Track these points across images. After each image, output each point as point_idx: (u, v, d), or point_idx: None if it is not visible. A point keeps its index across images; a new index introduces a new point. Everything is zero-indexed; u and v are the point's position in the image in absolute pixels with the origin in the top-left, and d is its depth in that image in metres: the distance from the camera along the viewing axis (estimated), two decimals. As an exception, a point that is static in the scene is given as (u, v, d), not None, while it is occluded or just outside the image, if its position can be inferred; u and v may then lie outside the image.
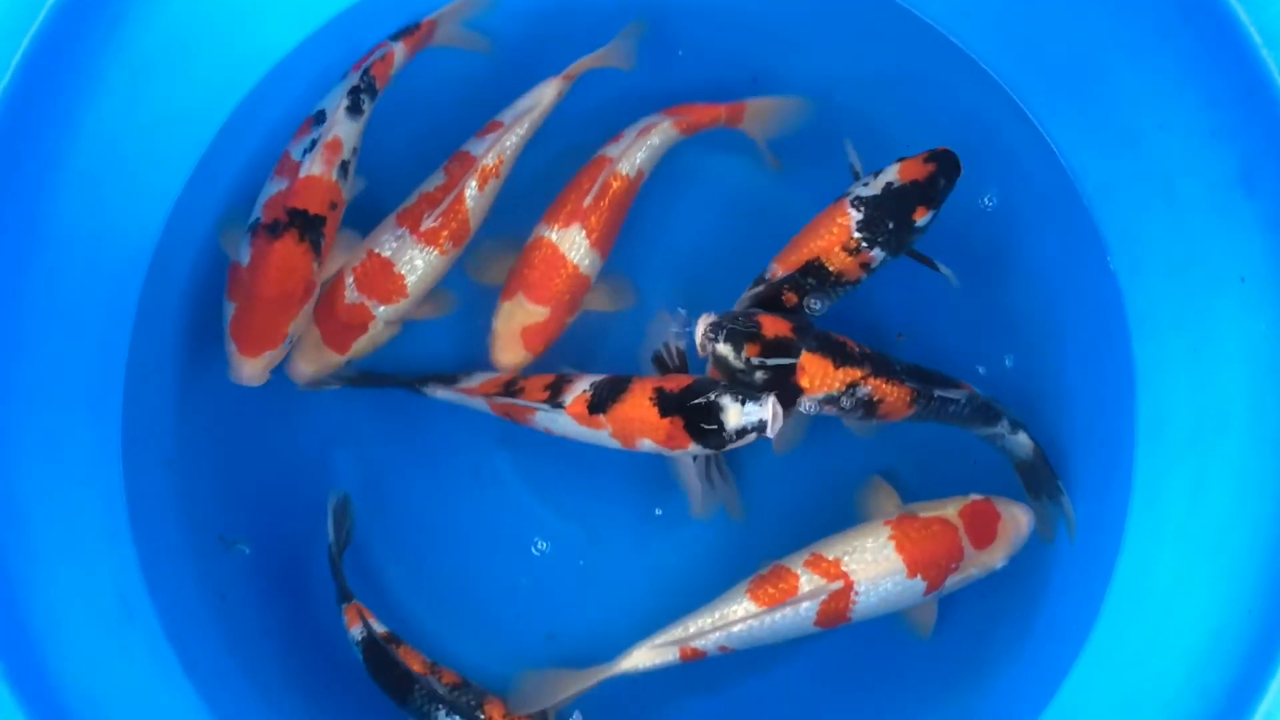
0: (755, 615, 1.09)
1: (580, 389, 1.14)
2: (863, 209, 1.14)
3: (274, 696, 1.14)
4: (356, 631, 1.14)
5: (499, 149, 1.21)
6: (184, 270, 1.18)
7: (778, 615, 1.10)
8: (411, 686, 1.12)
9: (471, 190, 1.19)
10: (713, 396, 1.08)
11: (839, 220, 1.15)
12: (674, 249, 1.30)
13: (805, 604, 1.09)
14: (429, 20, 1.22)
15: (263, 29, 1.17)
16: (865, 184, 1.16)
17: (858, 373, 1.10)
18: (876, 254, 1.15)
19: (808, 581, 1.10)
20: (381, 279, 1.19)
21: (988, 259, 1.26)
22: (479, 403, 1.19)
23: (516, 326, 1.20)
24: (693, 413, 1.09)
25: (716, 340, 1.07)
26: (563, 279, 1.19)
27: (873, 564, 1.10)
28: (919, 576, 1.10)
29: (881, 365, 1.11)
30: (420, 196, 1.21)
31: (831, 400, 1.11)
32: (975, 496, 1.15)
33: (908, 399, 1.12)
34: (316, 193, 1.14)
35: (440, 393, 1.21)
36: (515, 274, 1.21)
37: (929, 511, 1.14)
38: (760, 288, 1.17)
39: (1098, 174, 1.15)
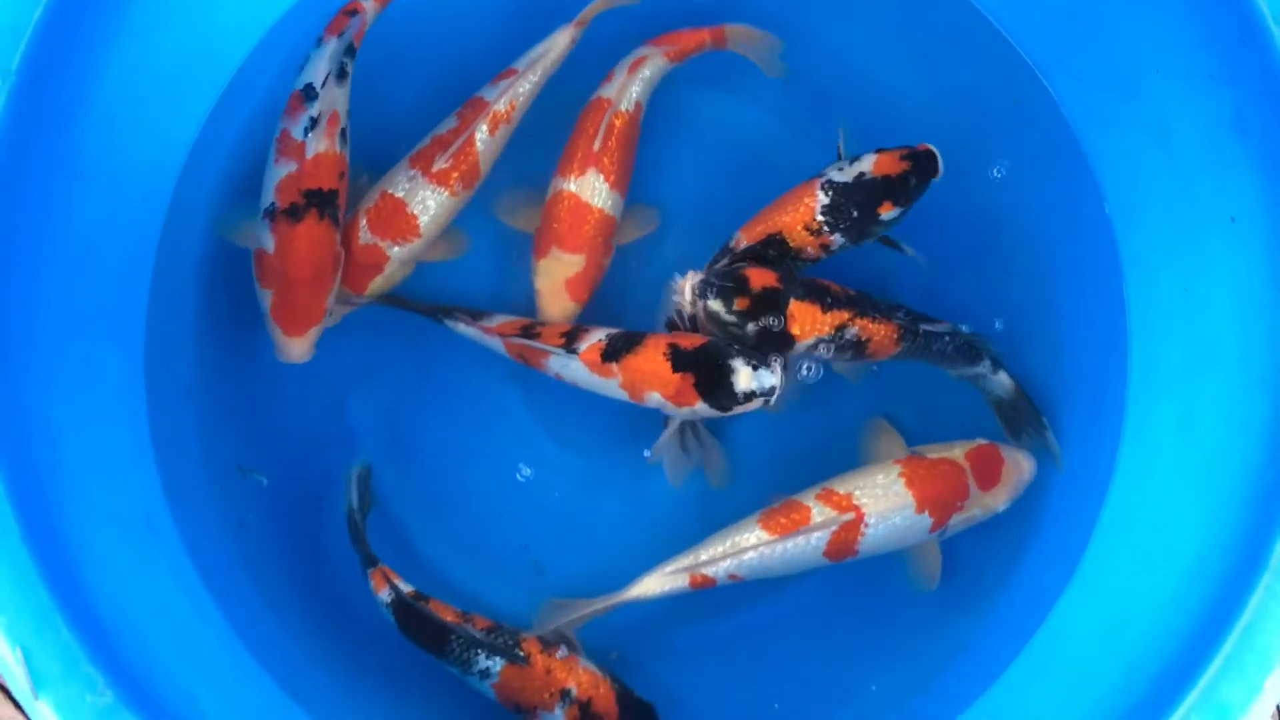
0: (767, 544, 1.12)
1: (596, 338, 1.16)
2: (831, 194, 1.16)
3: (286, 616, 1.17)
4: (385, 595, 1.15)
5: (511, 95, 1.22)
6: (203, 206, 1.20)
7: (789, 544, 1.12)
8: (448, 637, 1.13)
9: (483, 134, 1.21)
10: (726, 358, 1.10)
11: (806, 200, 1.18)
12: (686, 186, 1.33)
13: (817, 534, 1.12)
14: None
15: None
16: (840, 169, 1.18)
17: (845, 314, 1.12)
18: (836, 239, 1.18)
19: (819, 513, 1.13)
20: (395, 219, 1.21)
21: (985, 204, 1.29)
22: (495, 342, 1.21)
23: (559, 279, 1.22)
24: (704, 371, 1.10)
25: (706, 297, 1.10)
26: (591, 225, 1.22)
27: (883, 498, 1.13)
28: (926, 513, 1.13)
29: (867, 305, 1.14)
30: (433, 139, 1.23)
31: (822, 344, 1.13)
32: (980, 441, 1.19)
33: (894, 336, 1.15)
34: (326, 168, 1.15)
35: (461, 327, 1.23)
36: (544, 230, 1.24)
37: (936, 453, 1.17)
38: (725, 258, 1.19)
39: (1095, 121, 1.17)
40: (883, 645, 1.25)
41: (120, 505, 1.02)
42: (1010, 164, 1.27)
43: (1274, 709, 1.25)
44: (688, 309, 1.13)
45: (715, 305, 1.10)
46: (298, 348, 1.19)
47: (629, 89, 1.23)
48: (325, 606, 1.22)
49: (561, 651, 1.15)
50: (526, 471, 1.27)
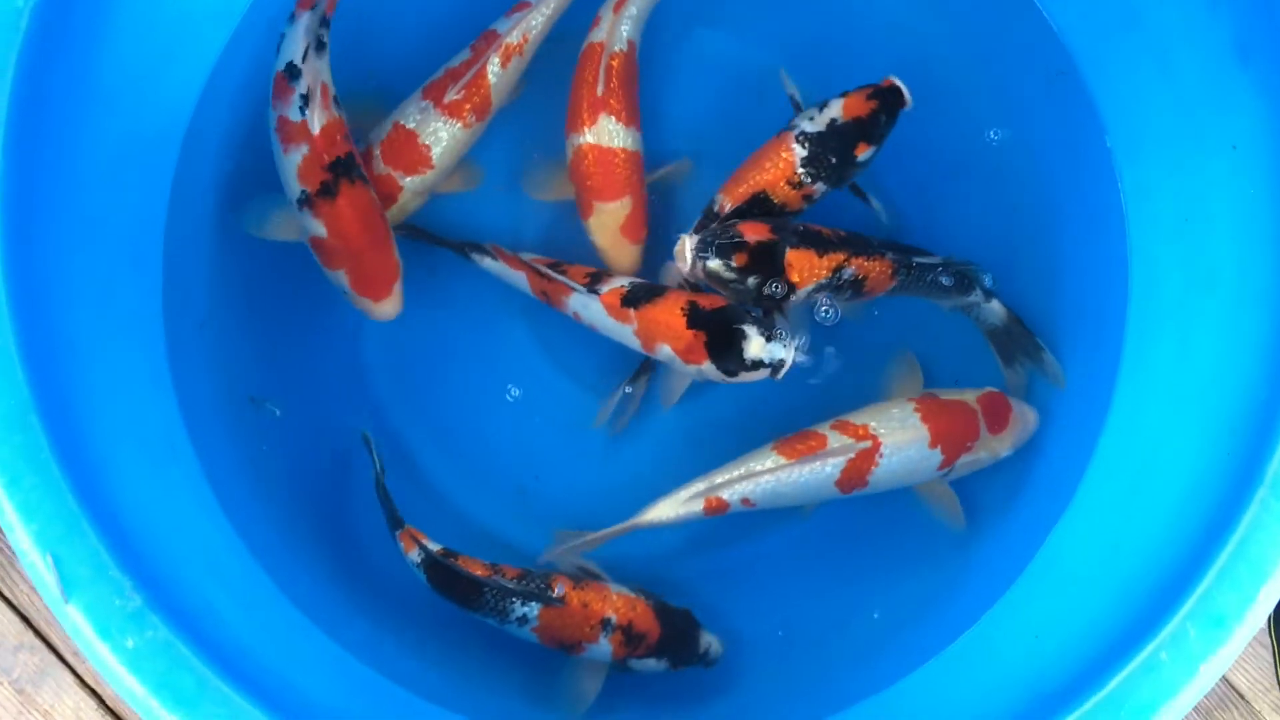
0: (782, 468, 1.13)
1: (619, 283, 1.18)
2: (807, 145, 1.18)
3: (299, 543, 1.19)
4: (414, 555, 1.16)
5: (524, 28, 1.23)
6: (216, 139, 1.21)
7: (805, 469, 1.14)
8: (480, 590, 1.14)
9: (494, 66, 1.22)
10: (742, 323, 1.11)
11: (784, 155, 1.19)
12: (692, 127, 1.34)
13: (832, 460, 1.14)
14: None
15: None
16: (810, 118, 1.20)
17: (840, 256, 1.14)
18: (819, 188, 1.19)
19: (836, 440, 1.15)
20: (407, 150, 1.22)
21: (986, 142, 1.31)
22: (520, 277, 1.23)
23: (613, 229, 1.23)
24: (718, 332, 1.12)
25: (707, 257, 1.10)
26: (621, 166, 1.23)
27: (899, 430, 1.15)
28: (938, 449, 1.15)
29: (860, 244, 1.16)
30: (445, 71, 1.24)
31: (821, 287, 1.15)
32: (990, 389, 1.21)
33: (889, 271, 1.17)
34: (333, 138, 1.14)
35: (488, 261, 1.24)
36: (580, 190, 1.24)
37: (949, 395, 1.20)
38: (713, 222, 1.20)
39: (1097, 54, 1.18)
40: (884, 573, 1.27)
41: (142, 426, 1.04)
42: (1012, 100, 1.29)
43: (1267, 621, 1.28)
44: (687, 271, 1.13)
45: (715, 265, 1.11)
46: (389, 306, 1.20)
47: (618, 29, 1.24)
48: (335, 532, 1.24)
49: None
50: (515, 392, 1.30)
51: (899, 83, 1.19)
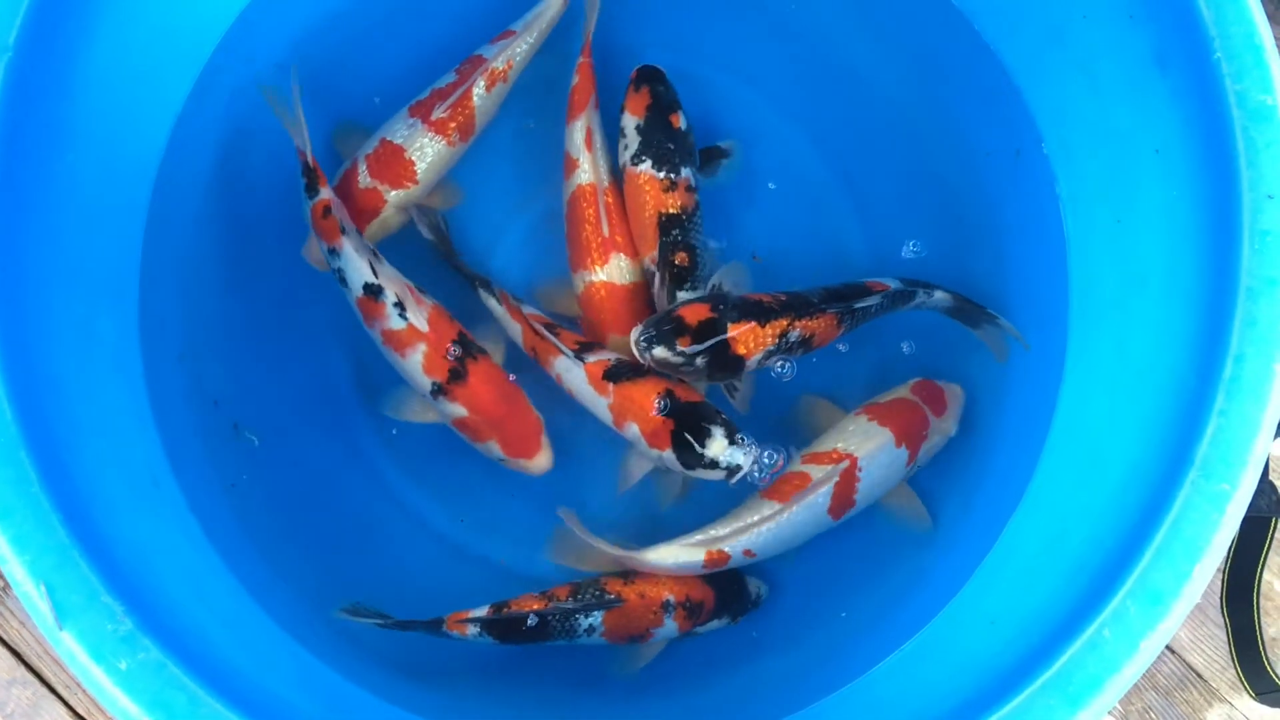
0: (780, 512, 1.17)
1: (606, 356, 1.22)
2: (644, 156, 1.24)
3: (283, 569, 1.22)
4: (473, 631, 1.18)
5: (509, 54, 1.28)
6: (189, 178, 1.25)
7: (800, 506, 1.17)
8: (545, 622, 1.17)
9: (480, 89, 1.27)
10: (710, 422, 1.16)
11: (640, 182, 1.25)
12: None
13: (821, 490, 1.17)
14: None
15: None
16: (625, 145, 1.27)
17: (783, 322, 1.17)
18: (685, 172, 1.25)
19: (816, 470, 1.18)
20: (393, 165, 1.26)
21: (932, 154, 1.36)
22: (516, 328, 1.26)
23: (625, 348, 1.22)
24: (686, 424, 1.16)
25: (651, 348, 1.14)
26: (634, 299, 1.28)
27: (865, 440, 1.19)
28: (904, 446, 1.19)
29: (800, 305, 1.19)
30: (432, 91, 1.28)
31: (770, 354, 1.17)
32: (916, 379, 1.25)
33: (835, 323, 1.20)
34: (441, 326, 1.22)
35: (492, 303, 1.27)
36: (593, 322, 1.28)
37: (885, 397, 1.24)
38: (655, 283, 1.25)
39: (1030, 66, 1.23)
40: (850, 576, 1.31)
41: (126, 458, 1.07)
42: (953, 113, 1.34)
43: (1220, 603, 1.34)
44: (640, 359, 1.16)
45: (660, 352, 1.14)
46: (545, 458, 1.24)
47: (599, 164, 1.28)
48: (315, 553, 1.27)
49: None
50: None
51: (646, 64, 1.28)
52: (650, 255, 1.26)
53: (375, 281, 1.19)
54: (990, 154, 1.31)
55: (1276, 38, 1.53)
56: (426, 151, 1.27)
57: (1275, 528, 1.46)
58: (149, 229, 1.20)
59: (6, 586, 1.18)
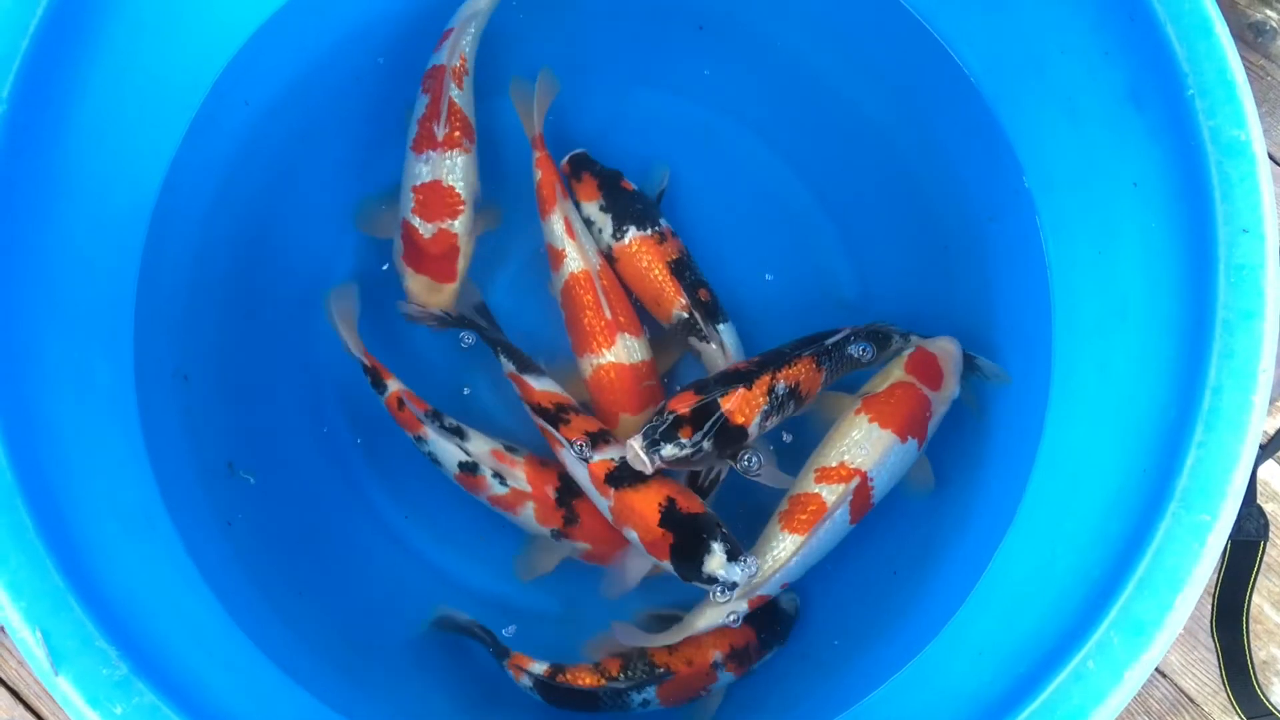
0: (802, 544, 1.17)
1: (611, 454, 1.20)
2: (625, 226, 1.30)
3: (281, 608, 1.23)
4: (526, 680, 1.20)
5: (458, 49, 1.29)
6: (182, 223, 1.26)
7: (821, 534, 1.18)
8: (595, 699, 1.19)
9: (454, 90, 1.28)
10: (711, 537, 1.14)
11: (635, 250, 1.30)
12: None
13: (839, 512, 1.18)
14: None
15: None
16: (600, 229, 1.32)
17: (765, 379, 1.19)
18: (664, 222, 1.32)
19: (829, 492, 1.19)
20: (437, 199, 1.28)
21: (916, 188, 1.38)
22: (526, 408, 1.27)
23: (634, 429, 1.20)
24: (685, 538, 1.15)
25: (658, 452, 1.14)
26: (645, 376, 1.30)
27: (871, 448, 1.20)
28: (911, 438, 1.20)
29: (775, 359, 1.21)
30: (419, 122, 1.29)
31: (767, 415, 1.19)
32: (906, 354, 1.26)
33: (813, 366, 1.22)
34: (540, 477, 1.26)
35: (508, 368, 1.29)
36: (604, 404, 1.29)
37: (883, 384, 1.24)
38: (695, 322, 1.29)
39: (1011, 101, 1.25)
40: (842, 604, 1.33)
41: (121, 502, 1.08)
42: (937, 145, 1.36)
43: (1210, 627, 1.34)
44: (650, 470, 1.16)
45: (669, 451, 1.15)
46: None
47: (585, 249, 1.30)
48: (312, 593, 1.28)
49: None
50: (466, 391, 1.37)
51: (571, 156, 1.34)
52: (679, 303, 1.29)
53: (469, 459, 1.23)
54: (974, 187, 1.33)
55: (1254, 63, 1.56)
56: (456, 170, 1.29)
57: (1264, 552, 1.47)
58: (143, 273, 1.21)
59: (2, 627, 1.19)
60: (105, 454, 1.10)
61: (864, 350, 1.26)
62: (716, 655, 1.21)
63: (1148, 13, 1.02)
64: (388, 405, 1.28)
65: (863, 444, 1.20)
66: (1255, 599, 1.48)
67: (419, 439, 1.26)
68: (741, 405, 1.17)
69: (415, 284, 1.31)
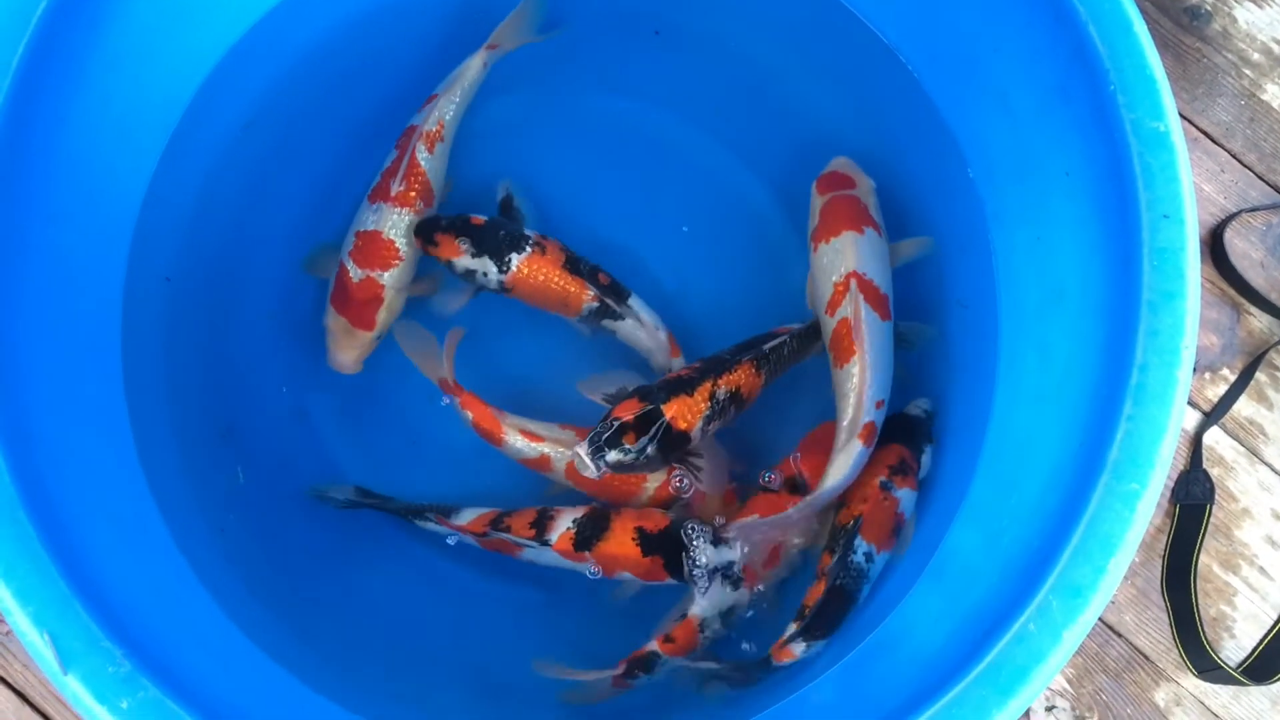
0: (863, 357, 1.24)
1: (564, 526, 1.26)
2: (504, 255, 1.32)
3: (271, 601, 1.27)
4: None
5: (438, 115, 1.34)
6: (165, 235, 1.30)
7: (867, 340, 1.25)
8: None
9: (422, 153, 1.33)
10: (690, 539, 1.21)
11: (527, 274, 1.32)
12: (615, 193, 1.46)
13: (864, 314, 1.26)
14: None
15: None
16: (483, 274, 1.33)
17: (706, 385, 1.24)
18: (529, 230, 1.35)
19: (846, 306, 1.26)
20: (376, 249, 1.32)
21: (875, 177, 1.43)
22: (469, 538, 1.31)
23: None
24: (671, 553, 1.22)
25: (604, 457, 1.19)
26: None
27: (843, 251, 1.28)
28: (866, 228, 1.30)
29: (716, 365, 1.26)
30: (383, 174, 1.34)
31: (709, 419, 1.24)
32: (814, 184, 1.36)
33: (753, 371, 1.27)
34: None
35: (431, 525, 1.33)
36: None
37: (816, 217, 1.34)
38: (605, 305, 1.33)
39: (950, 96, 1.31)
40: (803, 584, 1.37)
41: (116, 509, 1.13)
42: (888, 141, 1.42)
43: (1160, 588, 1.41)
44: (597, 476, 1.20)
45: (614, 456, 1.19)
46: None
47: (553, 435, 1.32)
48: (304, 587, 1.34)
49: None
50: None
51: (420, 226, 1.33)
52: (585, 296, 1.34)
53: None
54: (923, 179, 1.39)
55: (1190, 46, 1.62)
56: (399, 226, 1.33)
57: (1210, 515, 1.54)
58: (128, 287, 1.25)
59: (9, 630, 1.24)
60: (99, 463, 1.15)
61: (795, 344, 1.32)
62: (879, 480, 1.26)
63: (1071, 14, 1.08)
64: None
65: (833, 256, 1.28)
66: (1203, 559, 1.55)
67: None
68: (684, 411, 1.22)
69: (335, 324, 1.35)
